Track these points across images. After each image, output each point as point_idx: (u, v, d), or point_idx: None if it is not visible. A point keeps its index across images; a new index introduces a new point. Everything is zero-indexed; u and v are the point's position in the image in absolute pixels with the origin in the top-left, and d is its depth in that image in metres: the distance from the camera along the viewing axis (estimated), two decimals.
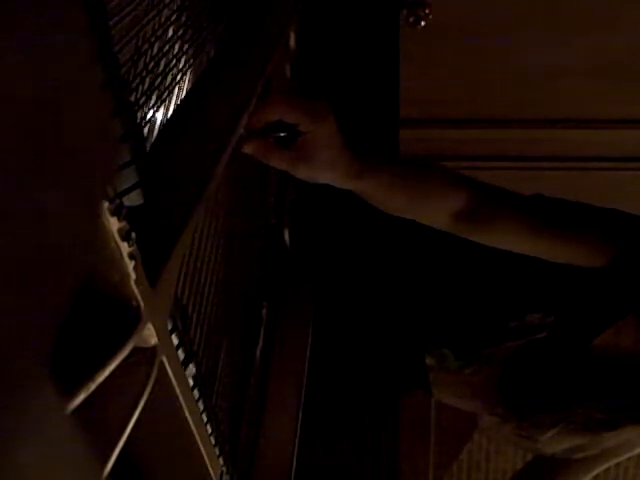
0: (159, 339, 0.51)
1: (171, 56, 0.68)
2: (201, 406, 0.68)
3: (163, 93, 0.64)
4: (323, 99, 0.83)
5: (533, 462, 1.29)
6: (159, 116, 0.65)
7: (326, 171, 0.84)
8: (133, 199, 0.51)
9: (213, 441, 0.74)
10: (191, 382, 0.65)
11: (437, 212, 0.96)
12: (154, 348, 0.51)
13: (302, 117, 0.79)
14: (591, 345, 0.91)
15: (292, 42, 1.21)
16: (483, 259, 1.13)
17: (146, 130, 0.60)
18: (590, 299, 0.97)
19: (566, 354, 0.95)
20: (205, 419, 0.70)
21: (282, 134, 0.80)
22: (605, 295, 0.94)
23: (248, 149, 0.78)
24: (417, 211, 0.96)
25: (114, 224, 0.41)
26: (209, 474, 0.72)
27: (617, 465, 1.33)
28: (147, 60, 0.60)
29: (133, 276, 0.44)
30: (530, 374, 0.99)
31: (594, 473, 1.21)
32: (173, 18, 0.68)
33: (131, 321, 0.45)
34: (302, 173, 0.84)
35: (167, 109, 0.68)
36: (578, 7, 1.73)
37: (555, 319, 1.02)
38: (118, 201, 0.41)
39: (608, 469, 1.24)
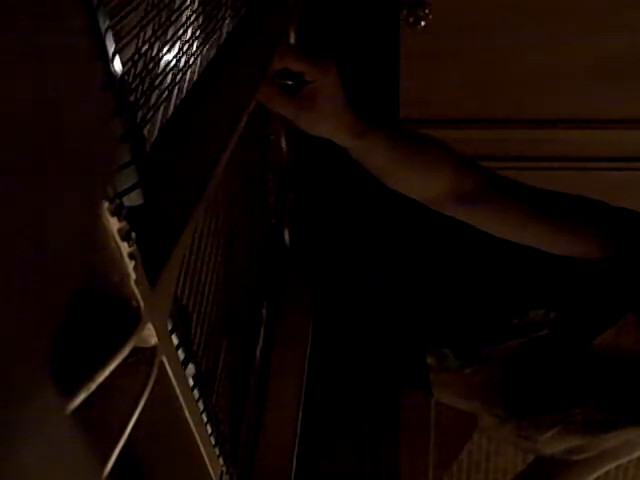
0: (159, 339, 0.50)
1: (171, 56, 0.68)
2: (201, 406, 0.68)
3: (163, 93, 0.64)
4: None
5: (534, 464, 1.29)
6: (159, 116, 0.65)
7: (329, 123, 0.85)
8: (133, 199, 0.51)
9: (213, 441, 0.74)
10: (191, 382, 0.65)
11: (434, 184, 0.96)
12: (154, 348, 0.51)
13: (307, 66, 0.81)
14: (591, 344, 0.91)
15: (292, 42, 1.21)
16: (486, 256, 1.13)
17: (146, 130, 0.60)
18: (592, 295, 0.96)
19: (567, 353, 0.95)
20: (205, 419, 0.70)
21: (288, 82, 0.81)
22: (607, 292, 0.94)
23: None
24: (413, 181, 0.96)
25: (114, 224, 0.41)
26: (209, 474, 0.72)
27: (617, 466, 1.32)
28: (147, 60, 0.60)
29: (133, 276, 0.44)
30: (530, 373, 0.99)
31: (595, 475, 1.20)
32: (173, 18, 0.68)
33: (131, 321, 0.45)
34: (305, 122, 0.85)
35: (167, 109, 0.68)
36: (578, 7, 1.73)
37: (557, 316, 1.02)
38: (118, 201, 0.41)
39: (608, 470, 1.24)
